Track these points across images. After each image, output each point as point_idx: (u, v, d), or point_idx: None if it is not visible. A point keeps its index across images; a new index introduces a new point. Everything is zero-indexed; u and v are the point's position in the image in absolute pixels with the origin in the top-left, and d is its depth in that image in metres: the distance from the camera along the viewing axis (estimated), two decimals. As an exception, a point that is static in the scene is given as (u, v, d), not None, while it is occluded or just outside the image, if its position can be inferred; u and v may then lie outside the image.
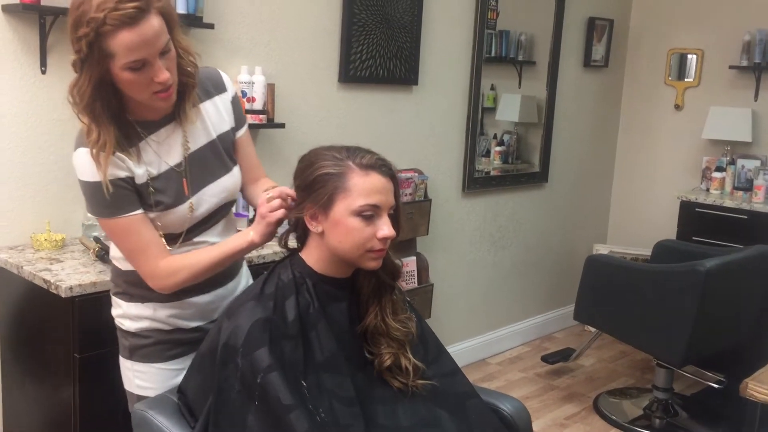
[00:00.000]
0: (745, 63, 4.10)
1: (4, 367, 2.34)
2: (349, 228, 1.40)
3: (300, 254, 1.50)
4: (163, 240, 1.56)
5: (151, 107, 1.49)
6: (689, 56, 4.41)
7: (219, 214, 1.67)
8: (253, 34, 2.77)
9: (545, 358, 3.91)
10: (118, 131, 1.45)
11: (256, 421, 1.32)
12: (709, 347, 3.19)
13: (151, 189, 1.52)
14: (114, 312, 1.73)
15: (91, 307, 1.97)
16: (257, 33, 2.79)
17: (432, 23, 3.42)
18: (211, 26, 2.55)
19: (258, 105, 2.71)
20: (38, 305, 2.13)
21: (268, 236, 1.52)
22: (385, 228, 1.41)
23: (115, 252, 1.67)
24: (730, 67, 4.16)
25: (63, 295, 1.93)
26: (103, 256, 2.14)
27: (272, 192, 1.50)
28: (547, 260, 4.45)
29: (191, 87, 1.53)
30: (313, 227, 1.44)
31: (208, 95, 1.61)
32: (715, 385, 3.43)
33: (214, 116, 1.62)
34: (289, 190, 1.50)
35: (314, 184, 1.42)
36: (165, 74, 1.40)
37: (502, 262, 4.13)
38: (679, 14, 4.43)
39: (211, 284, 1.66)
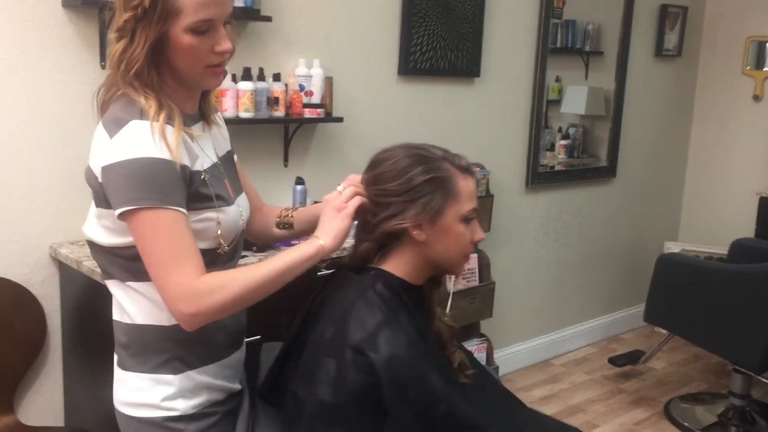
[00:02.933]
0: (831, 50, 3.85)
1: (66, 362, 2.36)
2: (457, 234, 1.32)
3: (382, 268, 1.35)
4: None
5: (192, 91, 1.32)
6: (770, 44, 4.17)
7: (241, 238, 1.43)
8: (310, 27, 2.73)
9: (613, 360, 3.76)
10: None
11: None
12: (791, 353, 2.99)
13: (206, 178, 1.29)
14: (153, 399, 1.30)
15: (148, 303, 1.96)
16: (315, 25, 2.75)
17: (495, 12, 3.32)
18: (268, 19, 2.51)
19: (316, 99, 2.67)
20: (97, 301, 2.13)
21: (342, 238, 1.30)
22: (479, 231, 1.36)
23: (143, 307, 1.31)
24: (815, 55, 3.92)
25: (120, 291, 1.92)
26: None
27: (342, 184, 1.35)
28: (615, 258, 4.28)
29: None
30: (418, 236, 1.32)
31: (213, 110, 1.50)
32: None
33: (222, 131, 1.49)
34: (353, 176, 1.38)
35: (421, 189, 1.30)
36: (228, 43, 1.26)
37: (566, 259, 3.99)
38: (759, 0, 4.18)
39: (241, 339, 1.48)
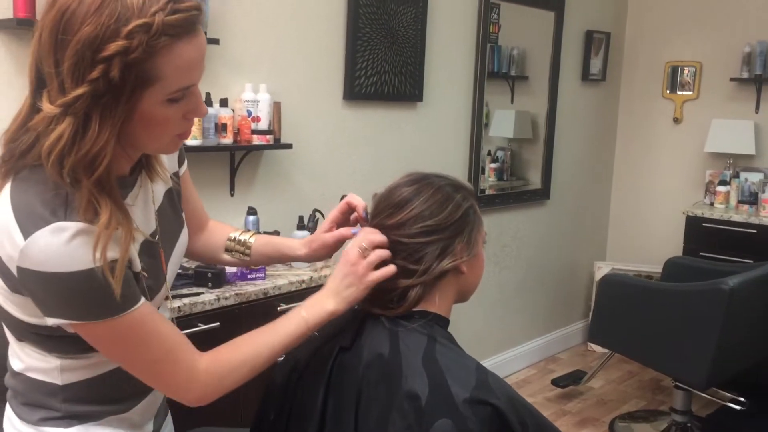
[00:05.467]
0: (745, 75, 4.04)
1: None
2: (483, 259, 1.26)
3: (428, 310, 1.21)
4: None
5: (126, 157, 1.05)
6: (687, 68, 4.36)
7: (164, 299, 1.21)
8: (257, 50, 2.61)
9: (556, 382, 3.78)
10: None
11: None
12: (733, 368, 3.08)
13: (142, 270, 1.06)
14: None
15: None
16: (262, 49, 2.63)
17: (435, 37, 3.30)
18: (216, 42, 2.38)
19: (263, 125, 2.55)
20: None
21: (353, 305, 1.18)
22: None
23: (40, 361, 1.07)
24: (731, 80, 4.11)
25: None
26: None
27: (362, 242, 1.16)
28: (549, 279, 4.34)
29: None
30: (464, 269, 1.22)
31: None
32: (736, 406, 3.33)
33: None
34: (378, 237, 1.18)
35: (464, 219, 1.21)
36: (205, 107, 1.04)
37: (506, 282, 4.00)
38: (676, 26, 4.37)
39: None
